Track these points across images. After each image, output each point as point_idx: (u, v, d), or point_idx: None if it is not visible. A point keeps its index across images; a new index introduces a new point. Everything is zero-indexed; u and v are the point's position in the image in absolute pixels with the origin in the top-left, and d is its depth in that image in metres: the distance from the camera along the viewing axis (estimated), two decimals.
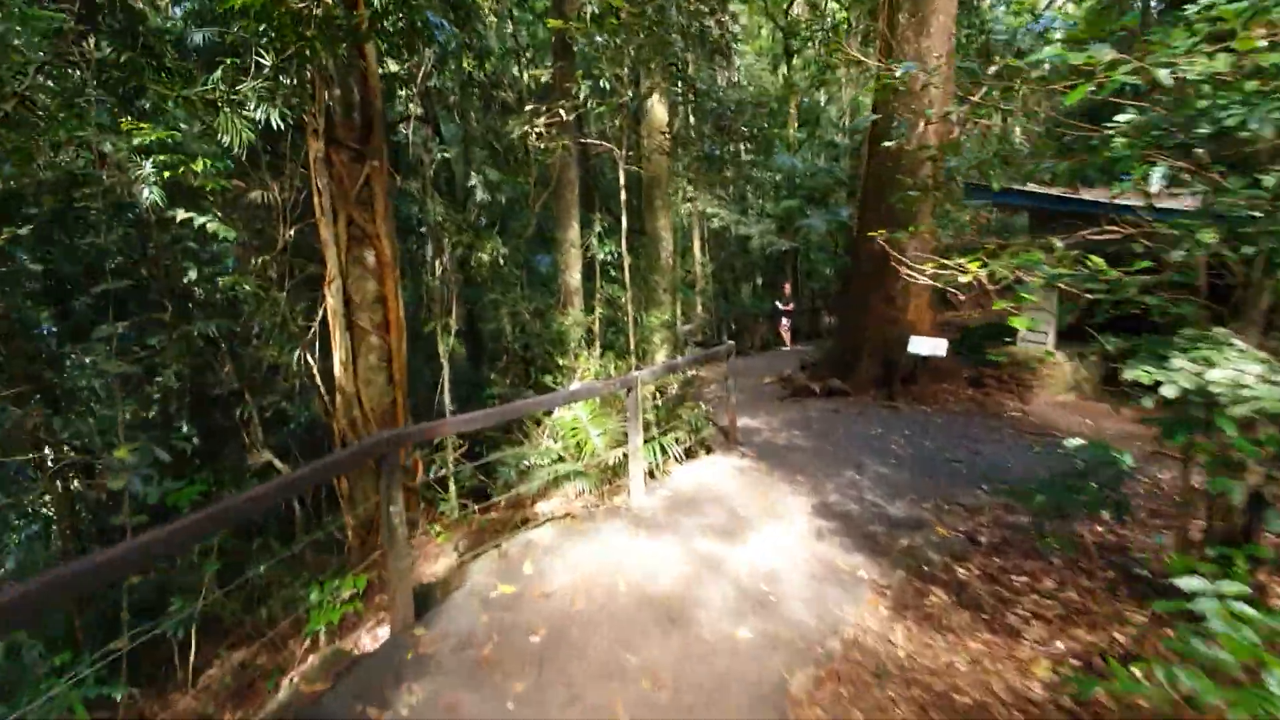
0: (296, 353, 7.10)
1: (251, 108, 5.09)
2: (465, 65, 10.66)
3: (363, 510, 7.48)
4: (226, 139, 5.03)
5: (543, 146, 8.16)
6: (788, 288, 17.13)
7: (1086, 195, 8.33)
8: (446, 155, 9.18)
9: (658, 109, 15.16)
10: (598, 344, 11.41)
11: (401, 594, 3.38)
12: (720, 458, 6.59)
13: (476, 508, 7.24)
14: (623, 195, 8.03)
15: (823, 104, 27.24)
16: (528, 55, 14.81)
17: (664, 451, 5.99)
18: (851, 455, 6.77)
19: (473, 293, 13.28)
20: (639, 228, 17.10)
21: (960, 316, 17.19)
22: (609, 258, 12.11)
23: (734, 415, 7.14)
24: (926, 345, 8.91)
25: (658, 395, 7.52)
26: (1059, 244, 3.42)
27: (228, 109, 4.79)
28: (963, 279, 3.31)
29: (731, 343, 7.13)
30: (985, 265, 3.21)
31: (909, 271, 3.74)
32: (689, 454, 6.69)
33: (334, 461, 3.03)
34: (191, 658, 5.09)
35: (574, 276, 12.76)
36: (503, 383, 10.07)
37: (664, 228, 15.52)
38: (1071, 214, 8.08)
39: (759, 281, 24.63)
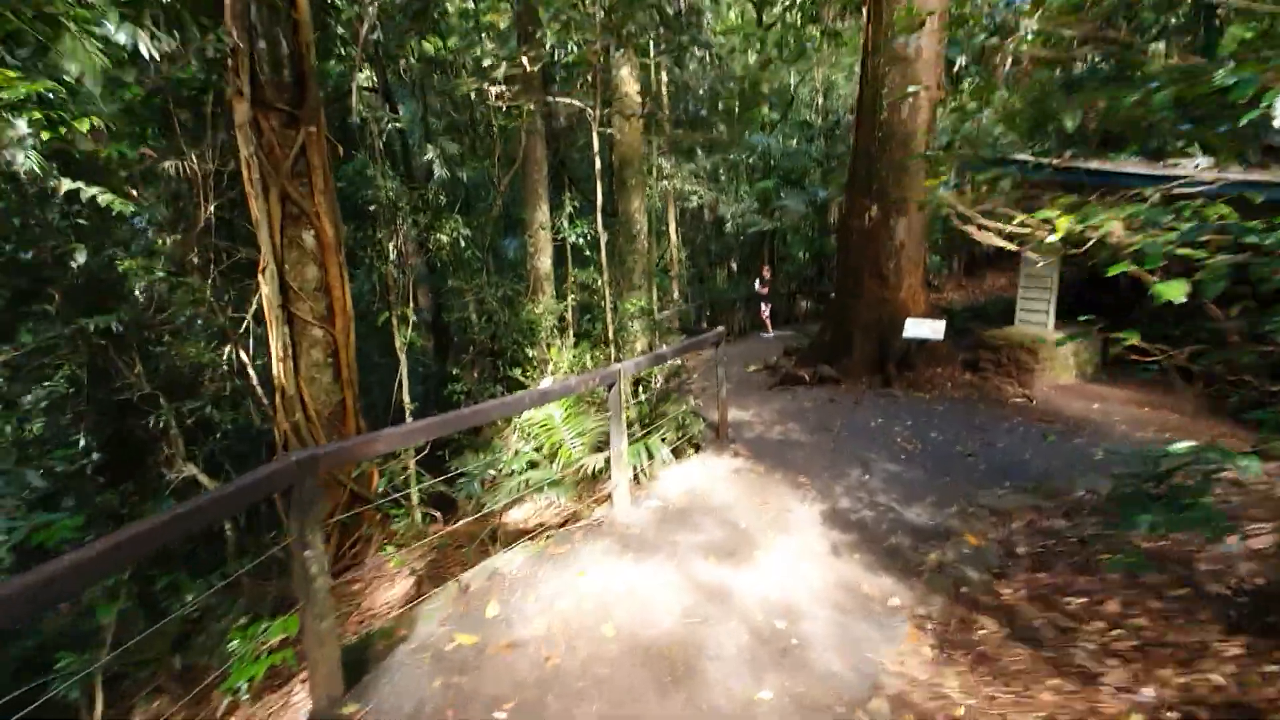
0: (227, 349, 6.19)
1: (113, 30, 4.07)
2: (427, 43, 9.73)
3: None
4: (75, 68, 4.06)
5: (503, 107, 7.28)
6: (767, 271, 16.48)
7: (1093, 165, 7.77)
8: (399, 126, 8.23)
9: (629, 84, 14.30)
10: (571, 333, 10.63)
11: (324, 661, 2.59)
12: (712, 458, 5.87)
13: (440, 517, 6.44)
14: (596, 163, 7.20)
15: (793, 86, 26.58)
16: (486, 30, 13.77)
17: (650, 454, 5.25)
18: (855, 451, 6.11)
19: (439, 280, 12.35)
20: (611, 210, 16.28)
21: (941, 299, 16.74)
22: (581, 240, 11.28)
23: (725, 409, 6.43)
24: (924, 328, 8.30)
25: (641, 389, 6.77)
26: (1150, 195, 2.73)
27: (73, 25, 3.83)
28: (1051, 238, 2.61)
29: (721, 329, 6.41)
30: (1085, 220, 2.49)
31: (984, 231, 3.02)
32: (677, 454, 5.97)
33: (220, 498, 2.24)
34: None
35: (544, 261, 11.93)
36: (469, 378, 9.23)
37: (638, 210, 14.71)
38: (1075, 185, 7.49)
39: (734, 266, 23.98)
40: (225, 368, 5.94)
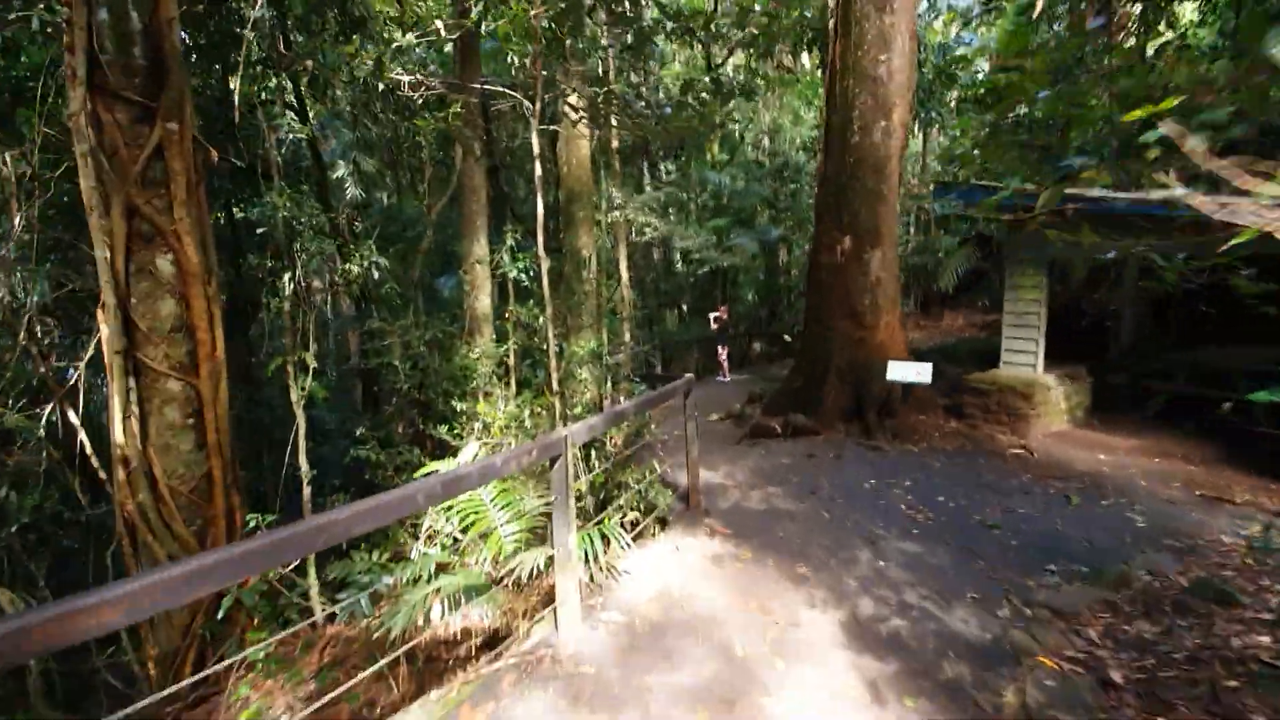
0: (49, 409, 4.65)
1: None
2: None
3: (166, 637, 5.04)
4: None
5: (418, 100, 6.10)
6: (724, 312, 15.53)
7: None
8: (298, 134, 6.91)
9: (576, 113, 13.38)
10: (513, 381, 9.30)
11: None
12: (684, 538, 4.63)
13: (320, 623, 4.94)
14: (537, 168, 6.05)
15: (739, 130, 26.47)
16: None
17: (606, 540, 3.98)
18: (855, 522, 4.98)
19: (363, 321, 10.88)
20: (557, 246, 15.16)
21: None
22: (523, 277, 10.06)
23: (697, 474, 5.22)
24: (908, 371, 7.37)
25: (594, 452, 5.52)
26: None
27: None
28: None
29: (690, 375, 5.26)
30: None
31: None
32: (640, 534, 4.71)
33: None
34: None
35: (483, 300, 10.63)
36: (394, 438, 7.79)
37: (586, 246, 13.64)
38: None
39: (685, 307, 23.14)
40: (40, 434, 4.40)
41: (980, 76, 16.53)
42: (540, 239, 6.24)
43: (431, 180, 9.38)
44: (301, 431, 6.40)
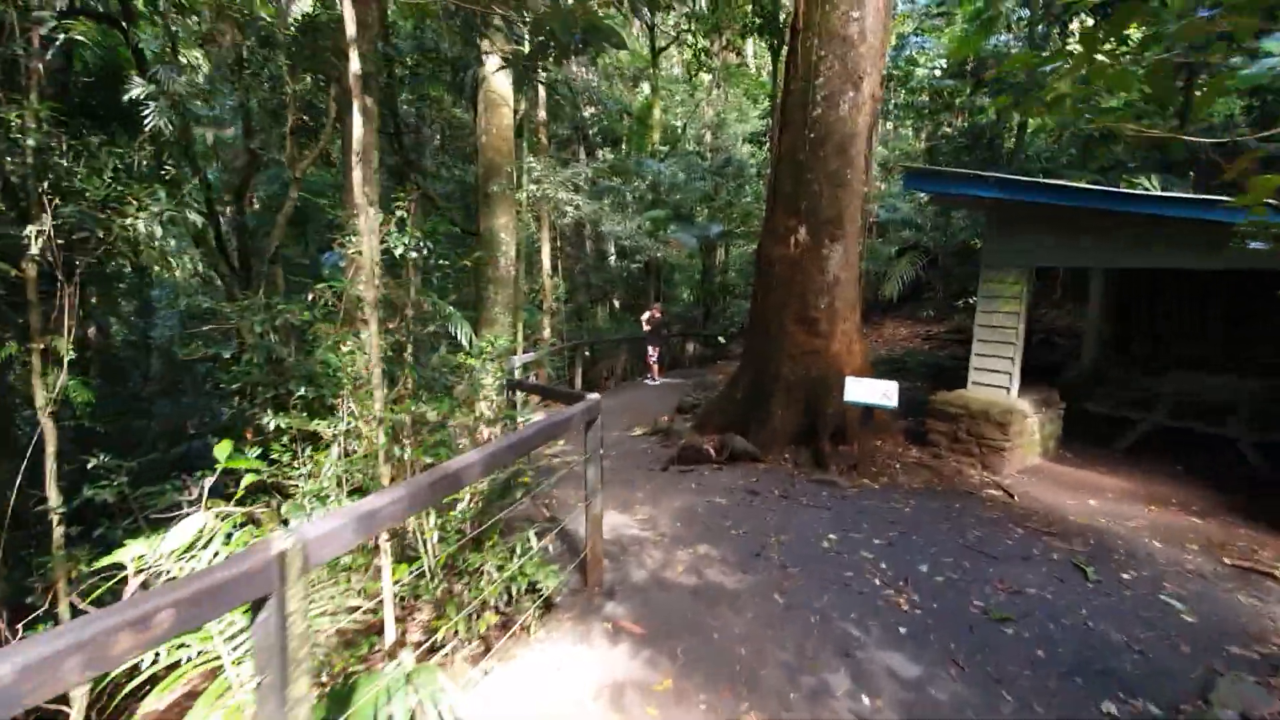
0: None
1: None
2: None
3: None
4: None
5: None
6: (657, 310, 14.02)
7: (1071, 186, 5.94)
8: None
9: (499, 76, 11.55)
10: (409, 379, 7.44)
11: None
12: (573, 645, 3.02)
13: None
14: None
15: (681, 126, 25.06)
16: None
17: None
18: (821, 611, 3.50)
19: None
20: (473, 229, 13.23)
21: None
22: (415, 254, 8.17)
23: (599, 543, 3.63)
24: (870, 390, 6.00)
25: (427, 522, 3.80)
26: None
27: None
28: None
29: (594, 397, 3.68)
30: None
31: None
32: (506, 626, 3.08)
33: None
34: None
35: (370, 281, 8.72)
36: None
37: (504, 228, 11.81)
38: (1057, 209, 5.52)
39: (616, 303, 21.54)
40: None
41: (937, 77, 15.64)
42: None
43: (295, 127, 7.39)
44: (50, 450, 4.45)
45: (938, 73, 15.53)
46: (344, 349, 6.49)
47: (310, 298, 4.11)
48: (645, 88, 22.25)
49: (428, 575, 3.30)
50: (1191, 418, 7.00)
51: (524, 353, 11.29)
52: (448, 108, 12.49)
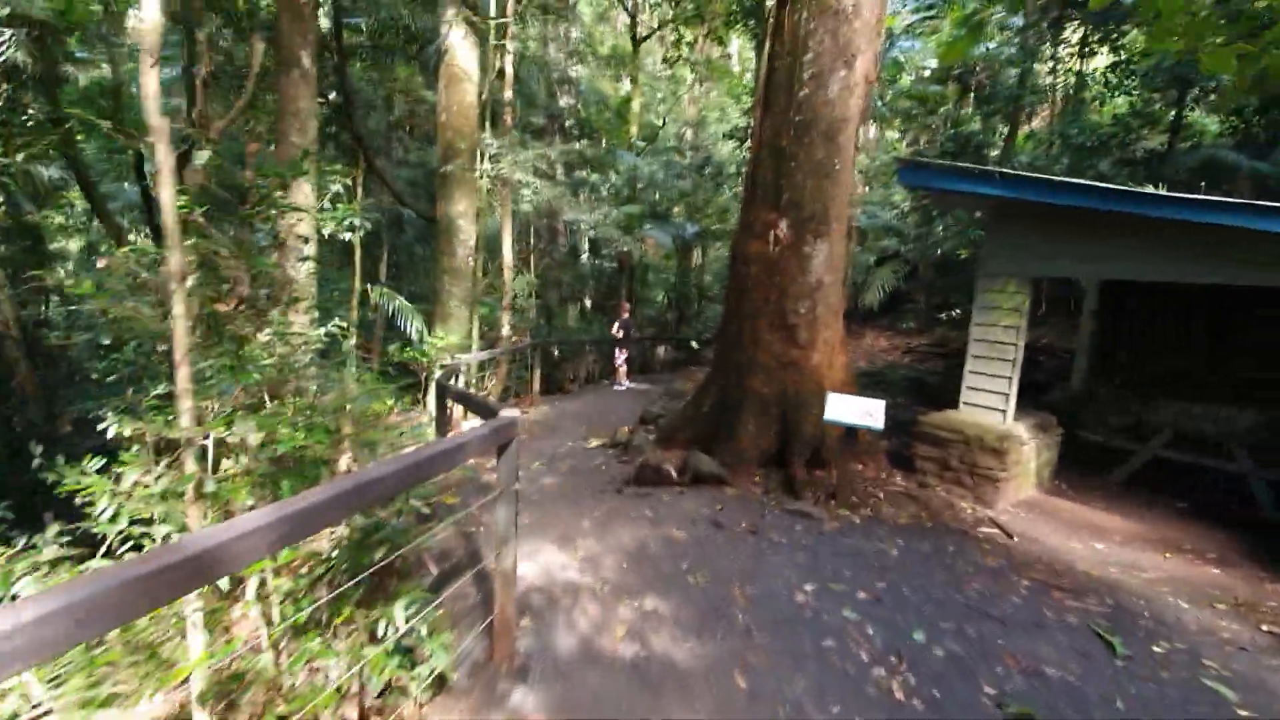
0: None
1: None
2: None
3: None
4: None
5: None
6: (626, 310, 13.19)
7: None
8: None
9: (462, 50, 10.63)
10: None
11: None
12: None
13: None
14: None
15: (661, 120, 24.27)
16: None
17: None
18: (794, 703, 2.68)
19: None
20: (430, 215, 12.25)
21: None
22: (350, 234, 7.24)
23: (509, 598, 2.77)
24: (854, 409, 5.24)
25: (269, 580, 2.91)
26: None
27: None
28: None
29: (511, 415, 2.82)
30: None
31: None
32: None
33: None
34: None
35: (302, 267, 7.79)
36: None
37: (463, 214, 10.87)
38: (1076, 212, 4.83)
39: (588, 303, 20.66)
40: None
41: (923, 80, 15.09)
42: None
43: (209, 79, 6.41)
44: None
45: (926, 74, 14.98)
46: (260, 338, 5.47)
47: (102, 264, 3.16)
48: (626, 82, 21.42)
49: (265, 651, 2.42)
50: (1190, 449, 6.39)
51: (478, 351, 10.37)
52: (414, 87, 11.52)
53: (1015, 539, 4.90)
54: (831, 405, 5.30)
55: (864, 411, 5.20)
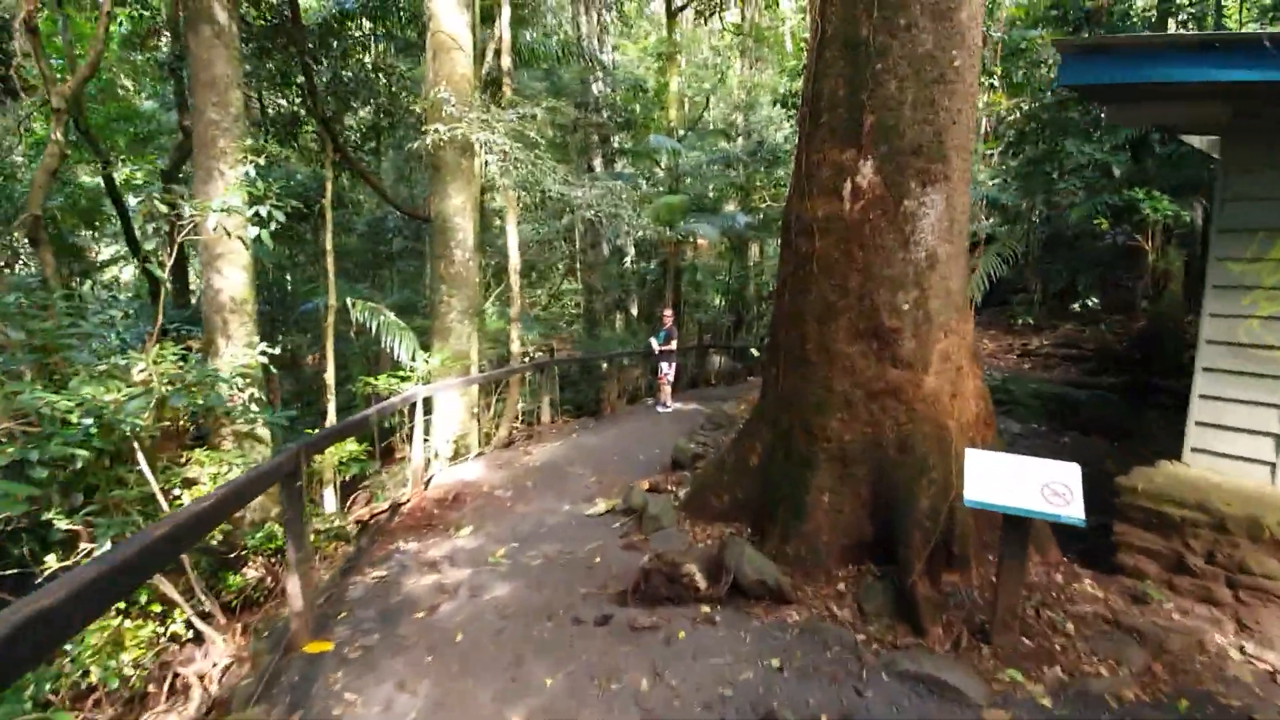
0: None
1: None
2: None
3: None
4: None
5: None
6: (669, 317, 10.90)
7: None
8: None
9: (447, 12, 8.73)
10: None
11: None
12: None
13: None
14: None
15: (704, 105, 21.88)
16: None
17: None
18: None
19: None
20: (425, 214, 10.40)
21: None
22: (278, 224, 5.26)
23: None
24: (1017, 481, 2.82)
25: None
26: None
27: None
28: None
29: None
30: None
31: None
32: None
33: None
34: None
35: (231, 274, 6.01)
36: None
37: (459, 210, 8.88)
38: None
39: (634, 310, 18.52)
40: None
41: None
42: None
43: (32, 24, 4.64)
44: None
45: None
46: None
47: None
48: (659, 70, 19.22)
49: None
50: None
51: (476, 373, 8.37)
52: (396, 64, 9.72)
53: None
54: (975, 473, 2.89)
55: (1040, 486, 2.77)
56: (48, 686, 2.95)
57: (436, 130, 6.67)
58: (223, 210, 4.54)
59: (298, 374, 10.76)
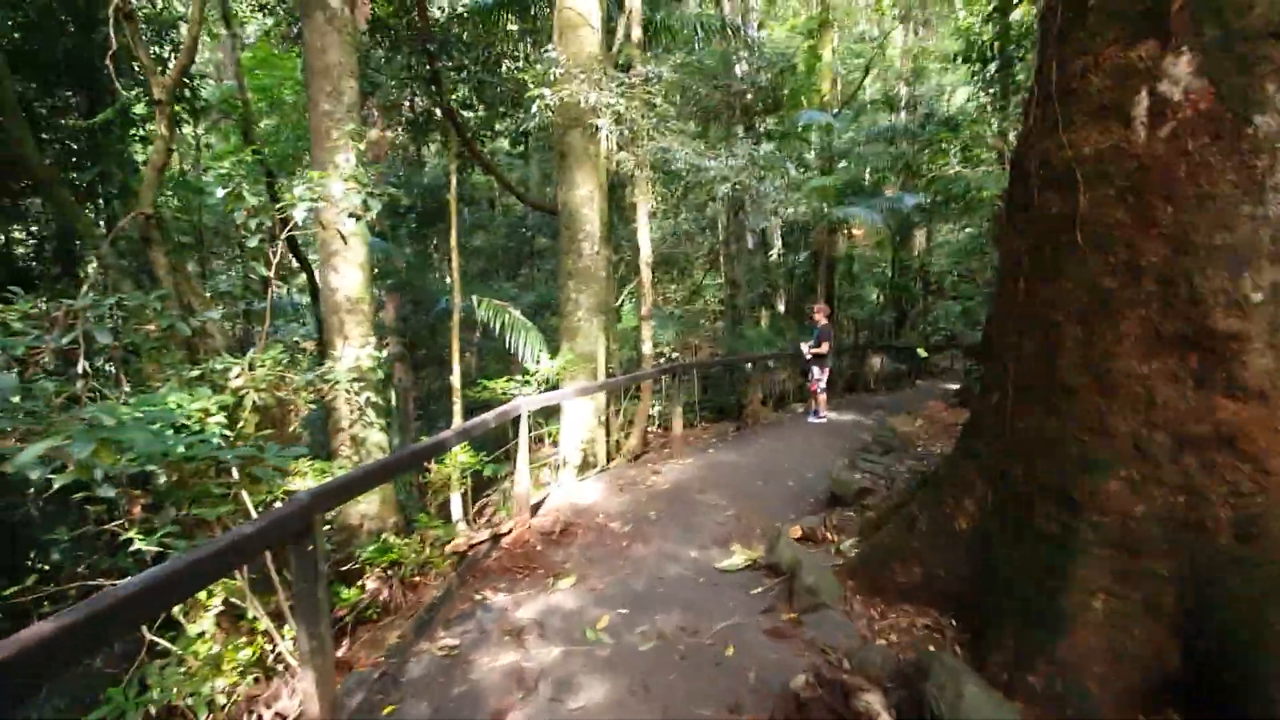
0: None
1: None
2: None
3: None
4: None
5: None
6: (822, 314, 9.43)
7: None
8: None
9: None
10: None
11: None
12: None
13: None
14: None
15: (865, 77, 19.49)
16: None
17: None
18: None
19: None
20: (549, 204, 9.79)
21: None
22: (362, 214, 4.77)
23: None
24: None
25: None
26: None
27: None
28: None
29: None
30: None
31: None
32: None
33: None
34: None
35: (347, 272, 5.69)
36: None
37: (586, 200, 8.11)
38: None
39: (780, 307, 16.93)
40: None
41: None
42: None
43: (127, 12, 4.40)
44: None
45: None
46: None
47: None
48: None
49: None
50: None
51: (606, 377, 7.56)
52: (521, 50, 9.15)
53: None
54: None
55: None
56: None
57: (542, 95, 5.85)
58: (314, 200, 4.03)
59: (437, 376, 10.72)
